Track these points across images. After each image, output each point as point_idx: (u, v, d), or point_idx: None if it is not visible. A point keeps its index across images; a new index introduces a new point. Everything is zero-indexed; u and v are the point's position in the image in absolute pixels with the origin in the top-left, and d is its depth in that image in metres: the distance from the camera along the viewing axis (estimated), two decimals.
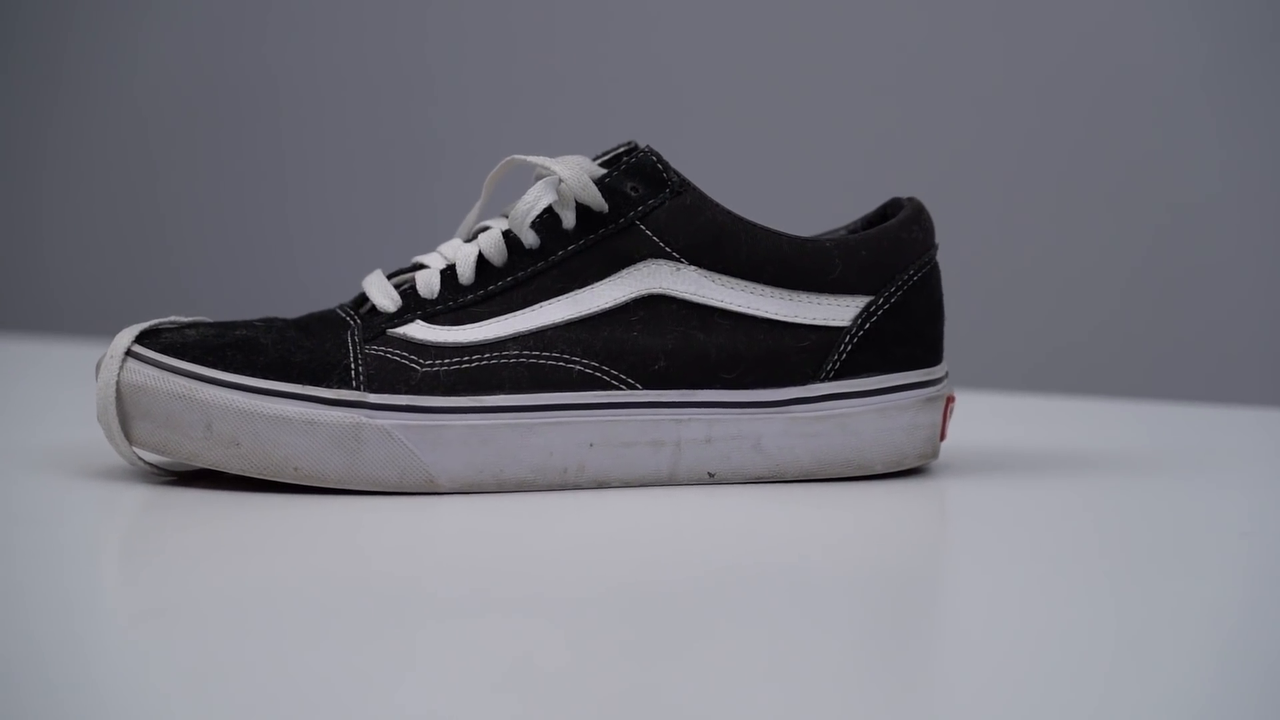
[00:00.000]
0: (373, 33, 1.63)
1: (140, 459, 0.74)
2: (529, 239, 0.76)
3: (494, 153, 1.53)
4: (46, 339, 1.51)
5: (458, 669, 0.51)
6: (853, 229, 0.83)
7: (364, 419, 0.72)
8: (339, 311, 0.76)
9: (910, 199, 0.81)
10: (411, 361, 0.73)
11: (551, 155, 0.79)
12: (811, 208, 1.42)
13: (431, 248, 0.82)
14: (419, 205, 1.62)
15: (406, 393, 0.73)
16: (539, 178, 0.79)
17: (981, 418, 0.94)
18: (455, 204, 1.48)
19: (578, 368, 0.74)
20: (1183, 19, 1.46)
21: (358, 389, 0.72)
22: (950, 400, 0.80)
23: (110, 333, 0.81)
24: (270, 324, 0.76)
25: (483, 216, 0.80)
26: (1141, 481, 0.83)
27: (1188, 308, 1.46)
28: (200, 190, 1.68)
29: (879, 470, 0.78)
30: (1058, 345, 1.49)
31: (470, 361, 0.74)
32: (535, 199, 0.76)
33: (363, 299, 0.77)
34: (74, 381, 1.02)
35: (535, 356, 0.74)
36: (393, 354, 0.74)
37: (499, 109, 1.60)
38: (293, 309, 1.00)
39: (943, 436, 0.80)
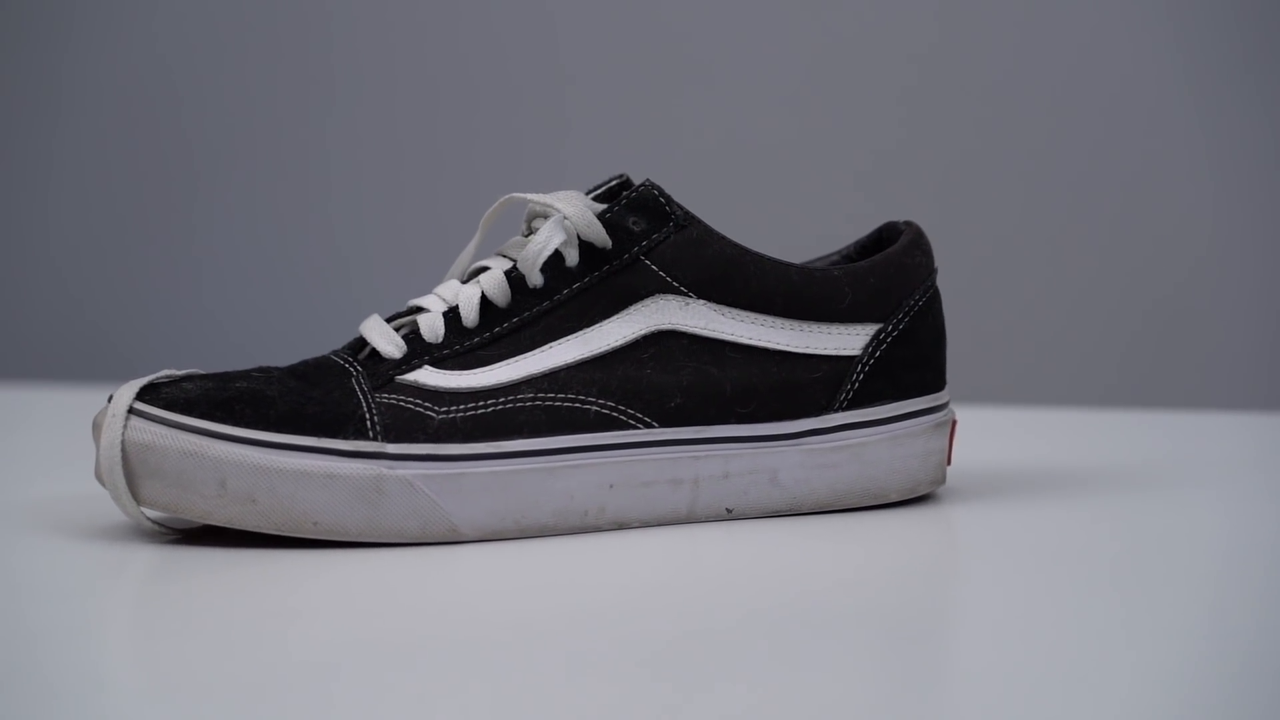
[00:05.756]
0: (338, 72, 1.60)
1: (146, 517, 0.72)
2: (535, 279, 0.75)
3: (453, 192, 1.52)
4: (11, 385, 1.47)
5: None
6: (847, 255, 0.82)
7: (385, 470, 0.70)
8: (335, 358, 0.74)
9: (908, 223, 0.80)
10: (427, 409, 0.72)
11: (535, 190, 0.78)
12: (796, 232, 1.41)
13: (411, 290, 0.81)
14: (386, 245, 1.60)
15: (425, 441, 0.71)
16: (533, 215, 0.77)
17: (975, 435, 0.94)
18: (419, 243, 1.46)
19: (594, 408, 0.73)
20: (1165, 42, 1.47)
21: (375, 439, 0.71)
22: (954, 424, 0.80)
23: (71, 377, 0.79)
24: (268, 374, 0.74)
25: (478, 256, 0.78)
26: (1145, 494, 0.83)
27: (1179, 316, 1.47)
28: (163, 232, 1.64)
29: (894, 499, 0.78)
30: (1041, 356, 1.49)
31: (486, 406, 0.72)
32: (546, 239, 0.74)
33: (360, 344, 0.75)
34: (48, 431, 1.00)
35: (550, 399, 0.73)
36: (406, 402, 0.72)
37: (464, 147, 1.58)
38: (273, 354, 0.98)
39: (949, 461, 0.80)
